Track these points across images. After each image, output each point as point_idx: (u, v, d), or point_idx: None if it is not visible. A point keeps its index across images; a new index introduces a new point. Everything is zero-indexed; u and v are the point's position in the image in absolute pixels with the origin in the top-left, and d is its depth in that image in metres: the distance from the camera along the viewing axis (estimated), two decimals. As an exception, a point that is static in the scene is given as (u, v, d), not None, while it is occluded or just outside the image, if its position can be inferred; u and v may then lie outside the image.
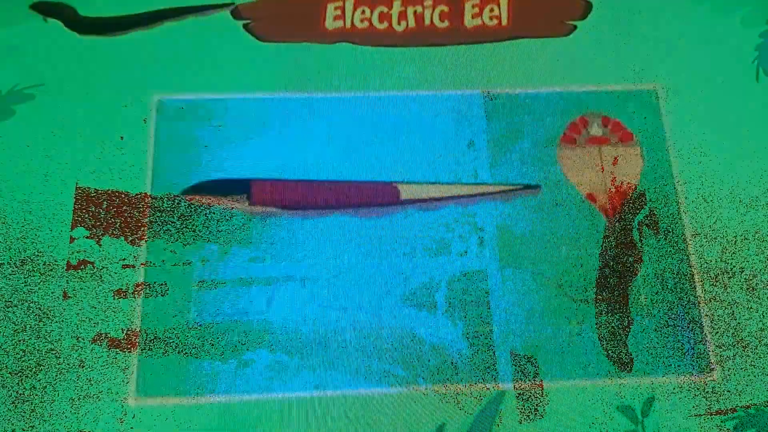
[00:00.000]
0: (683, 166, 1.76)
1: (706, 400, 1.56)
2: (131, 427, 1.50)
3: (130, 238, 1.65)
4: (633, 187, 1.73)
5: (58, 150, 1.73)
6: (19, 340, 1.56)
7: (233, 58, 1.84)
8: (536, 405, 1.54)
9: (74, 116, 1.76)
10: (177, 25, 1.87)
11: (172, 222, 1.67)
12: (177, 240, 1.66)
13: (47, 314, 1.58)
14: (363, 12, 1.90)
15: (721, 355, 1.59)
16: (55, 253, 1.63)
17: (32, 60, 1.82)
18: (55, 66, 1.81)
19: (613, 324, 1.60)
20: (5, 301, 1.59)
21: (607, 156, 1.77)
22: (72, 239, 1.64)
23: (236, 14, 1.89)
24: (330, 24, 1.89)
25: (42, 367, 1.54)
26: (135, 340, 1.57)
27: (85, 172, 1.71)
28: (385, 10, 1.90)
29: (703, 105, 1.82)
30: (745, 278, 1.66)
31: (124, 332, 1.57)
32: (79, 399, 1.52)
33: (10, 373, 1.54)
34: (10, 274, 1.61)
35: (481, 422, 1.53)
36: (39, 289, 1.60)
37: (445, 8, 1.91)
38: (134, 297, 1.60)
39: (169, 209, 1.68)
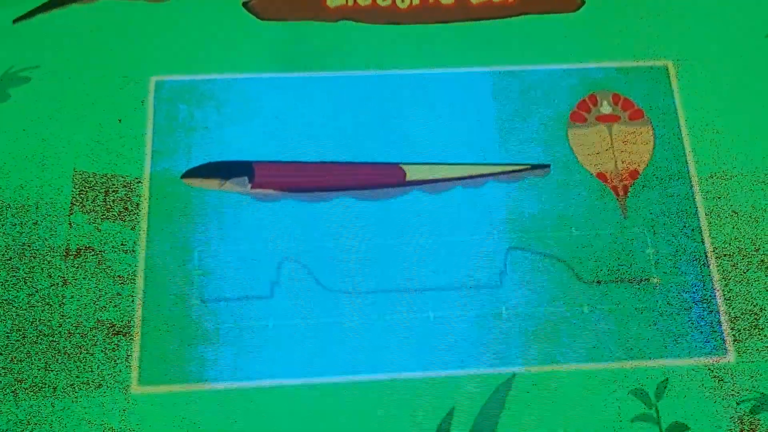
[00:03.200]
0: (695, 143, 1.72)
1: (721, 382, 1.53)
2: (134, 416, 1.48)
3: (130, 223, 1.62)
4: (644, 165, 1.70)
5: (55, 134, 1.69)
6: (19, 328, 1.53)
7: (233, 37, 1.80)
8: (547, 388, 1.51)
9: (71, 99, 1.73)
10: (175, 4, 1.83)
11: (172, 206, 1.64)
12: (178, 224, 1.62)
13: (47, 301, 1.55)
14: (366, -11, 1.87)
15: (736, 337, 1.57)
16: (54, 239, 1.60)
17: (27, 42, 1.78)
18: (51, 48, 1.78)
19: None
20: (4, 287, 1.56)
21: (618, 134, 1.73)
22: (71, 224, 1.61)
23: (235, -7, 1.85)
24: (332, 1, 1.85)
25: (43, 354, 1.52)
26: (137, 326, 1.54)
27: (83, 155, 1.67)
28: (389, -14, 1.87)
29: (716, 81, 1.78)
30: (760, 257, 1.62)
31: (126, 319, 1.55)
32: (80, 387, 1.50)
33: (10, 360, 1.51)
34: (8, 260, 1.58)
35: (491, 406, 1.50)
36: (38, 275, 1.57)
37: (450, -16, 1.87)
38: (135, 282, 1.57)
39: (169, 193, 1.65)
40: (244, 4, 1.83)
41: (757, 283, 1.61)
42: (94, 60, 1.77)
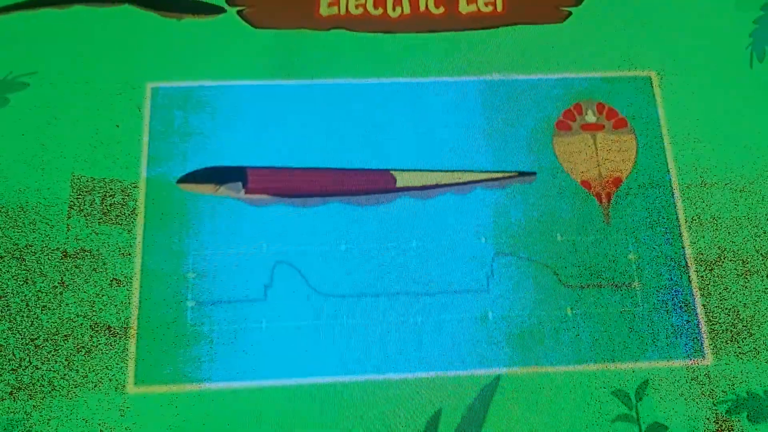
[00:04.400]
0: (677, 152, 1.77)
1: (699, 384, 1.58)
2: (130, 415, 1.52)
3: (127, 227, 1.65)
4: (627, 173, 1.74)
5: (53, 138, 1.72)
6: (17, 329, 1.57)
7: (228, 44, 1.83)
8: (531, 390, 1.56)
9: (69, 105, 1.76)
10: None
11: (168, 210, 1.67)
12: (173, 228, 1.66)
13: (45, 302, 1.59)
14: (358, -2, 1.90)
15: (714, 340, 1.61)
16: (52, 242, 1.63)
17: (25, 48, 1.81)
18: (49, 54, 1.80)
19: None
20: (3, 289, 1.59)
21: (602, 143, 1.77)
22: (69, 227, 1.65)
23: (230, 1, 1.88)
24: (325, 10, 1.88)
25: (40, 355, 1.55)
26: (133, 328, 1.58)
27: (81, 160, 1.71)
28: (380, -4, 1.91)
29: (698, 91, 1.83)
30: (738, 263, 1.67)
31: (122, 320, 1.58)
32: (77, 387, 1.53)
33: (8, 361, 1.54)
34: (7, 263, 1.61)
35: (476, 407, 1.54)
36: (36, 277, 1.60)
37: (440, -6, 1.91)
38: (131, 285, 1.61)
39: (165, 197, 1.68)
40: (239, 12, 1.87)
41: (734, 288, 1.65)
42: (91, 66, 1.80)
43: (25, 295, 1.59)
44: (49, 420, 1.50)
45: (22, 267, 1.61)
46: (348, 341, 1.59)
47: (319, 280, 1.63)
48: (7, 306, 1.58)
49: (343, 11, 1.88)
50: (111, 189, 1.69)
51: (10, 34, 1.82)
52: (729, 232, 1.70)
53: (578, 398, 1.56)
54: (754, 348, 1.60)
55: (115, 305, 1.59)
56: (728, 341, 1.61)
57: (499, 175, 1.73)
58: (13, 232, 1.64)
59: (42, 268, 1.61)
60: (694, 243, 1.69)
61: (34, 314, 1.58)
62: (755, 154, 1.76)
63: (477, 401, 1.54)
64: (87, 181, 1.69)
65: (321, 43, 1.85)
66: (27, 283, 1.60)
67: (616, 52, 1.86)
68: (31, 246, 1.63)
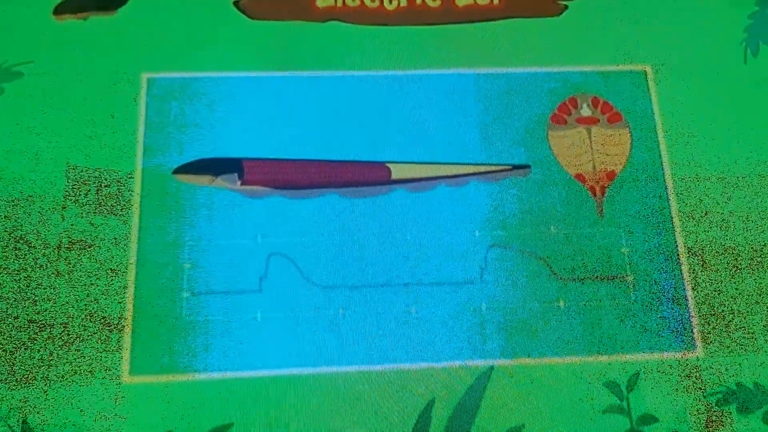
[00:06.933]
0: (671, 146, 1.78)
1: (690, 376, 1.59)
2: (125, 405, 1.52)
3: (122, 218, 1.66)
4: (621, 167, 1.75)
5: (48, 128, 1.72)
6: (12, 319, 1.57)
7: (223, 36, 1.83)
8: (523, 381, 1.57)
9: (64, 94, 1.75)
10: (167, 3, 1.86)
11: (163, 201, 1.67)
12: (169, 219, 1.66)
13: (40, 293, 1.59)
14: (354, -10, 1.90)
15: (705, 333, 1.63)
16: (47, 232, 1.63)
17: (20, 37, 1.80)
18: (44, 43, 1.80)
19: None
20: (-2, 279, 1.60)
21: (596, 136, 1.78)
22: (64, 218, 1.65)
23: (227, -8, 1.88)
24: (321, 2, 1.88)
25: (35, 345, 1.55)
26: (128, 318, 1.58)
27: (76, 150, 1.70)
28: (377, -12, 1.90)
29: (692, 86, 1.84)
30: (730, 257, 1.69)
31: (118, 311, 1.58)
32: (72, 377, 1.54)
33: (3, 351, 1.55)
34: (1, 253, 1.61)
35: (469, 397, 1.56)
36: (31, 267, 1.61)
37: (437, -13, 1.91)
38: (126, 275, 1.61)
39: (160, 188, 1.68)
40: (235, 4, 1.86)
41: (725, 281, 1.67)
42: (87, 56, 1.79)
43: (21, 285, 1.59)
44: (44, 409, 1.51)
45: (17, 257, 1.61)
46: (342, 332, 1.60)
47: (313, 272, 1.64)
48: (1, 296, 1.58)
49: (339, 3, 1.88)
50: (106, 179, 1.69)
51: (5, 23, 1.81)
52: (721, 227, 1.71)
53: (570, 389, 1.57)
54: (745, 340, 1.62)
55: (111, 296, 1.60)
56: (719, 334, 1.63)
57: (494, 168, 1.74)
58: (8, 222, 1.64)
59: (37, 258, 1.61)
60: (687, 237, 1.70)
61: (29, 304, 1.58)
62: (748, 149, 1.78)
63: (470, 392, 1.56)
64: (82, 171, 1.69)
65: (317, 35, 1.85)
66: (22, 273, 1.60)
67: (611, 46, 1.87)
68: (26, 236, 1.63)
